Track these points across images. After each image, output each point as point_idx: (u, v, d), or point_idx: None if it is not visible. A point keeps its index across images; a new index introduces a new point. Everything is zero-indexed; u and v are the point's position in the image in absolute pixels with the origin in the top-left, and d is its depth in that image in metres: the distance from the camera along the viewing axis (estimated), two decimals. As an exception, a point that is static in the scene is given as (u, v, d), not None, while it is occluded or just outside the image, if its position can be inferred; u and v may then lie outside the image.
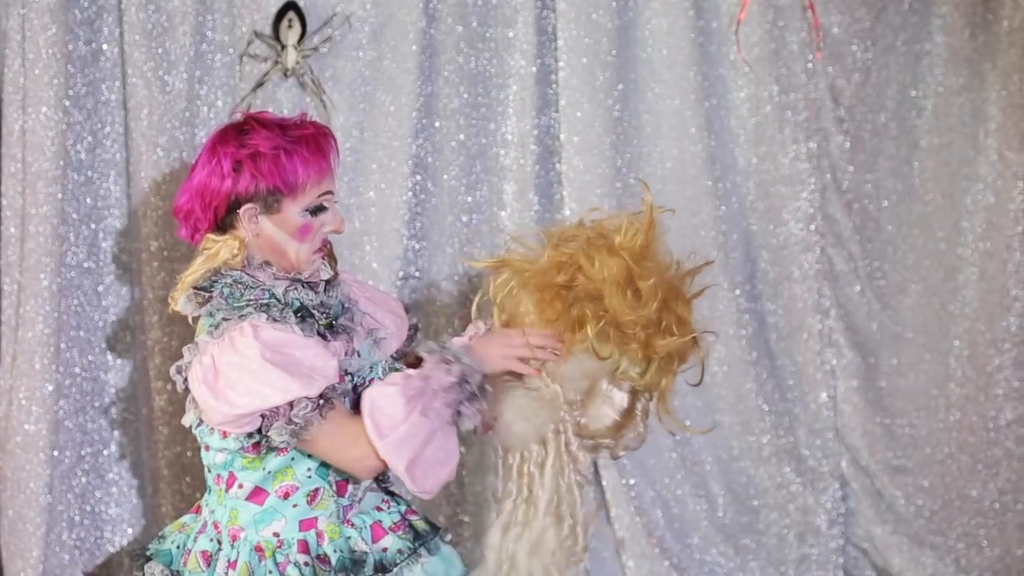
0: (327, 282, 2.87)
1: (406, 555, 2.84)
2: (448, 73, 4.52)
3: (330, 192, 2.83)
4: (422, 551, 2.87)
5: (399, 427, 2.64)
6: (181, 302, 2.77)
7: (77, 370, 4.30)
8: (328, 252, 2.92)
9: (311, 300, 2.79)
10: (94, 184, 4.32)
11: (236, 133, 2.80)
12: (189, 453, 4.41)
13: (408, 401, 2.65)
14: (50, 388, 4.17)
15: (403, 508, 2.94)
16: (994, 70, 4.64)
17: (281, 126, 2.81)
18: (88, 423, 4.33)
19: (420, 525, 2.93)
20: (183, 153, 4.34)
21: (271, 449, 2.72)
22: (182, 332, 4.37)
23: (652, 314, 2.81)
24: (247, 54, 4.38)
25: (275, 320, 2.68)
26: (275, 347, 2.66)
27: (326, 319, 2.79)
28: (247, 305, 2.69)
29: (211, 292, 2.73)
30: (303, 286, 2.80)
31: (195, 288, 2.76)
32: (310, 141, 2.80)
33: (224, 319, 2.68)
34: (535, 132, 4.54)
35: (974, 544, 4.69)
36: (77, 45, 4.24)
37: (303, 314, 2.74)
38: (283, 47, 4.37)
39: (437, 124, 4.53)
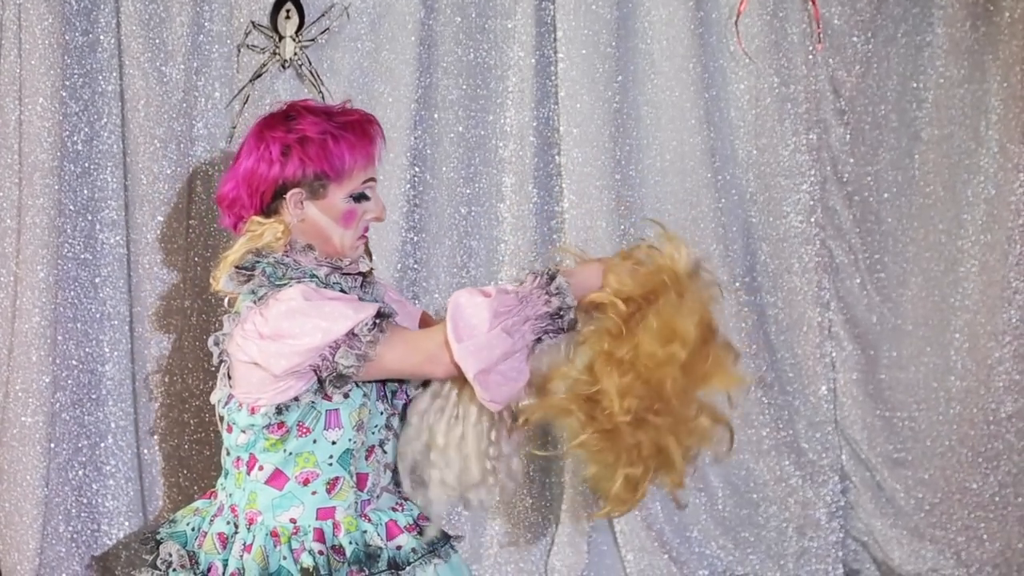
0: (364, 276, 2.88)
1: (420, 555, 2.85)
2: (447, 64, 4.51)
3: (373, 179, 2.85)
4: (435, 553, 2.88)
5: (478, 337, 2.64)
6: (223, 280, 2.80)
7: (74, 362, 4.29)
8: (366, 247, 2.94)
9: (350, 289, 2.81)
10: (91, 175, 4.30)
11: (283, 119, 2.84)
12: (186, 446, 4.41)
13: (495, 316, 2.65)
14: (47, 380, 4.16)
15: (416, 513, 2.94)
16: (995, 62, 4.62)
17: (327, 112, 2.85)
18: (85, 416, 4.32)
19: (432, 532, 2.93)
20: (180, 144, 4.32)
21: (338, 385, 2.71)
22: (179, 324, 4.36)
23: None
24: (245, 45, 4.37)
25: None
26: (320, 292, 2.71)
27: None
28: (287, 280, 2.73)
29: (253, 271, 2.76)
30: (343, 275, 2.82)
31: (237, 267, 2.78)
32: (356, 127, 2.84)
33: (265, 293, 2.71)
34: (534, 124, 4.53)
35: (974, 537, 4.68)
36: (74, 35, 4.23)
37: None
38: (281, 38, 4.36)
39: (436, 116, 4.51)
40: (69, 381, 4.28)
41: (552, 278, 2.72)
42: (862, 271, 4.71)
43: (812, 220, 4.66)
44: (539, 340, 2.71)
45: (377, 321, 2.69)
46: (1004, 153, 4.63)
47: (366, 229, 2.91)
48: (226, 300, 2.86)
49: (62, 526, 4.28)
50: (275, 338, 2.67)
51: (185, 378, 4.38)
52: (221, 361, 2.83)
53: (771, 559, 4.70)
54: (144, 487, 4.40)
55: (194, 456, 4.41)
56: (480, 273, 4.57)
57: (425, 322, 3.15)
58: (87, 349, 4.31)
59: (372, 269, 2.96)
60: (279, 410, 2.74)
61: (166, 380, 4.37)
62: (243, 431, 2.80)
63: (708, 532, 4.69)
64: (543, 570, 4.60)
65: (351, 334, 2.67)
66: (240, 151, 2.86)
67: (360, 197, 2.85)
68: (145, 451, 4.39)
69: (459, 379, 2.75)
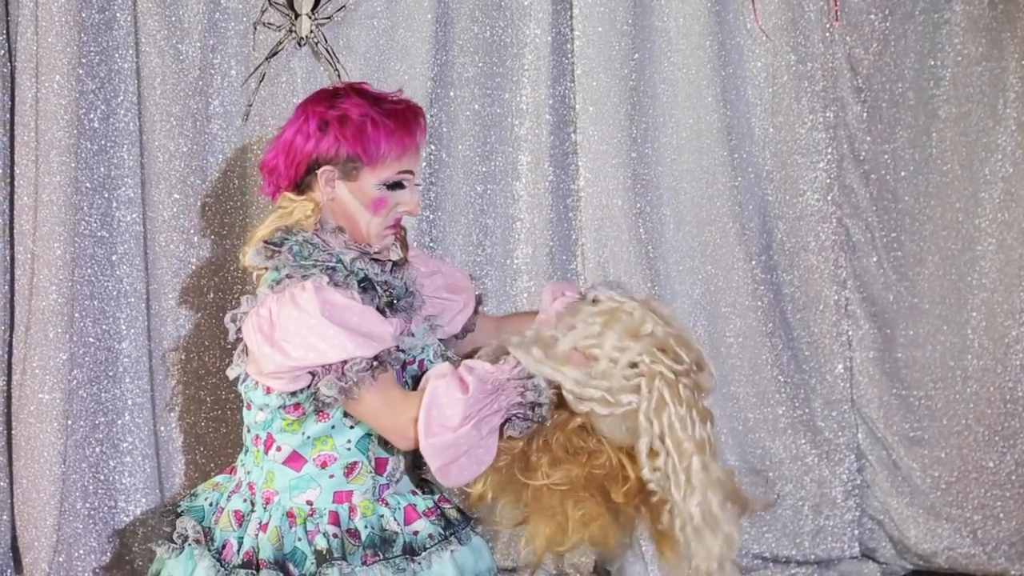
0: (395, 264, 2.88)
1: (436, 540, 2.85)
2: (463, 42, 4.50)
3: (411, 172, 2.85)
4: (452, 540, 2.87)
5: (447, 434, 2.66)
6: (250, 255, 2.81)
7: (91, 339, 4.29)
8: (401, 237, 2.94)
9: (376, 275, 2.81)
10: (107, 153, 4.30)
11: (329, 96, 2.86)
12: (203, 424, 4.41)
13: (466, 415, 2.66)
14: (64, 357, 4.17)
15: (437, 496, 2.95)
16: (1013, 39, 4.60)
17: (375, 97, 2.85)
18: (102, 393, 4.32)
19: (452, 514, 2.94)
20: (196, 122, 4.32)
21: (317, 407, 2.73)
22: (196, 302, 4.36)
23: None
24: (261, 23, 4.36)
25: (337, 285, 2.72)
26: (335, 307, 2.69)
27: (388, 297, 2.81)
28: (313, 265, 2.73)
29: (280, 248, 2.76)
30: (371, 260, 2.82)
31: (265, 242, 2.78)
32: (399, 116, 2.84)
33: (288, 276, 2.72)
34: (550, 102, 4.52)
35: (991, 516, 4.67)
36: (90, 13, 4.22)
37: (366, 285, 2.77)
38: (297, 16, 4.35)
39: (452, 93, 4.50)
40: (86, 358, 4.28)
41: (532, 376, 2.72)
42: (879, 249, 4.70)
43: (829, 198, 4.65)
44: (509, 420, 2.73)
45: (373, 364, 2.69)
46: (1022, 131, 4.61)
47: (398, 221, 2.90)
48: (254, 276, 2.87)
49: (79, 503, 4.29)
50: (272, 340, 2.67)
51: (202, 355, 4.39)
52: (238, 339, 2.83)
53: (787, 537, 4.70)
54: (161, 464, 4.41)
55: (211, 433, 4.42)
56: (496, 251, 4.56)
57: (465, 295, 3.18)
58: (104, 326, 4.32)
59: (405, 260, 2.96)
60: (293, 392, 2.74)
61: (183, 357, 4.37)
62: (260, 410, 2.80)
63: (724, 510, 4.69)
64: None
65: (341, 367, 2.67)
66: (288, 120, 2.89)
67: (394, 186, 2.84)
68: (162, 428, 4.40)
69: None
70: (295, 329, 2.66)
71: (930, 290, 4.72)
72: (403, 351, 2.81)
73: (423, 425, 2.66)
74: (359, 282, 2.77)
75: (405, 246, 3.01)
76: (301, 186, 2.84)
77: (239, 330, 2.81)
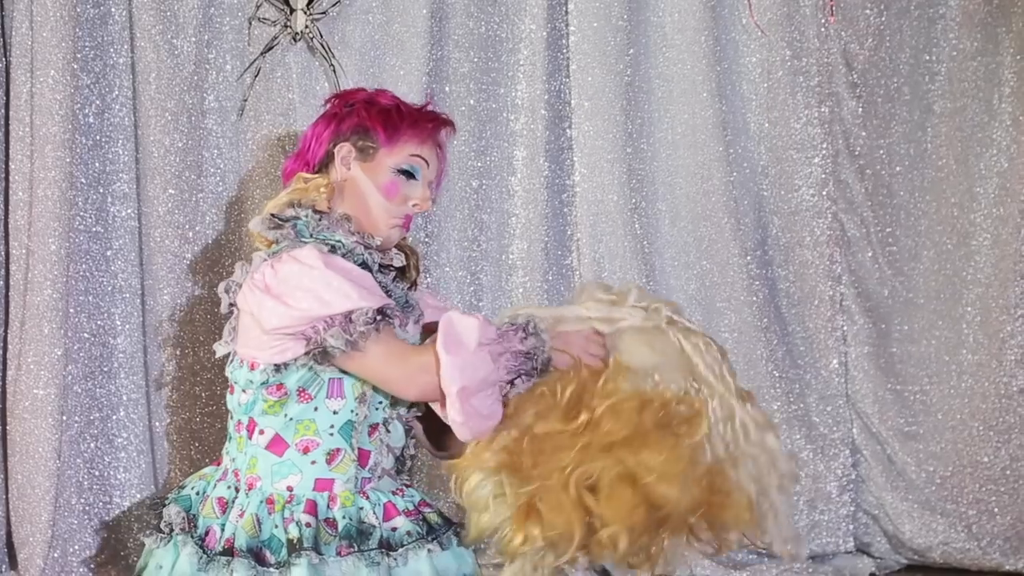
0: (398, 272, 2.88)
1: (415, 538, 2.82)
2: (458, 37, 4.50)
3: (426, 162, 2.86)
4: (432, 541, 2.84)
5: (466, 355, 2.65)
6: (255, 222, 2.84)
7: (86, 335, 4.29)
8: (412, 250, 2.94)
9: (374, 264, 2.81)
10: (102, 148, 4.30)
11: (365, 90, 2.97)
12: (198, 419, 4.41)
13: (481, 341, 2.66)
14: (59, 353, 4.16)
15: (418, 499, 2.92)
16: (1009, 34, 4.60)
17: (405, 101, 2.94)
18: (97, 388, 4.32)
19: (433, 518, 2.90)
20: (191, 117, 4.32)
21: (320, 361, 2.70)
22: (191, 297, 4.36)
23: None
24: (256, 18, 4.36)
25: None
26: (336, 263, 2.70)
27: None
28: (313, 240, 2.75)
29: (285, 223, 2.80)
30: (374, 253, 2.83)
31: (272, 215, 2.81)
32: (427, 113, 2.91)
33: (285, 247, 2.72)
34: (545, 97, 4.52)
35: (986, 511, 4.67)
36: (85, 8, 4.22)
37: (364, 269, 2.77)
38: (292, 11, 4.35)
39: (447, 88, 4.50)
40: (81, 353, 4.28)
41: (528, 321, 2.72)
42: (874, 244, 4.70)
43: (824, 193, 4.65)
44: (512, 383, 2.71)
45: (377, 317, 2.68)
46: (1017, 126, 4.62)
47: (408, 219, 2.90)
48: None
49: (74, 498, 4.28)
50: (275, 294, 2.66)
51: (197, 351, 4.38)
52: (230, 312, 2.82)
53: (782, 532, 4.69)
54: (156, 460, 4.40)
55: (205, 429, 4.42)
56: (491, 247, 4.56)
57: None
58: (99, 322, 4.31)
59: (410, 276, 2.95)
60: (277, 368, 2.73)
61: (178, 353, 4.37)
62: (244, 390, 2.79)
63: (719, 505, 4.69)
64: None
65: (348, 316, 2.66)
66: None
67: (408, 173, 2.86)
68: (157, 424, 4.40)
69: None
70: (297, 281, 2.66)
71: (925, 285, 4.72)
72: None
73: (442, 344, 2.65)
74: (359, 265, 2.78)
75: (417, 270, 3.00)
76: (320, 168, 2.88)
77: (232, 304, 2.80)
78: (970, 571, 4.67)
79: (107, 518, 4.35)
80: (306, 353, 2.70)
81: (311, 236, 2.77)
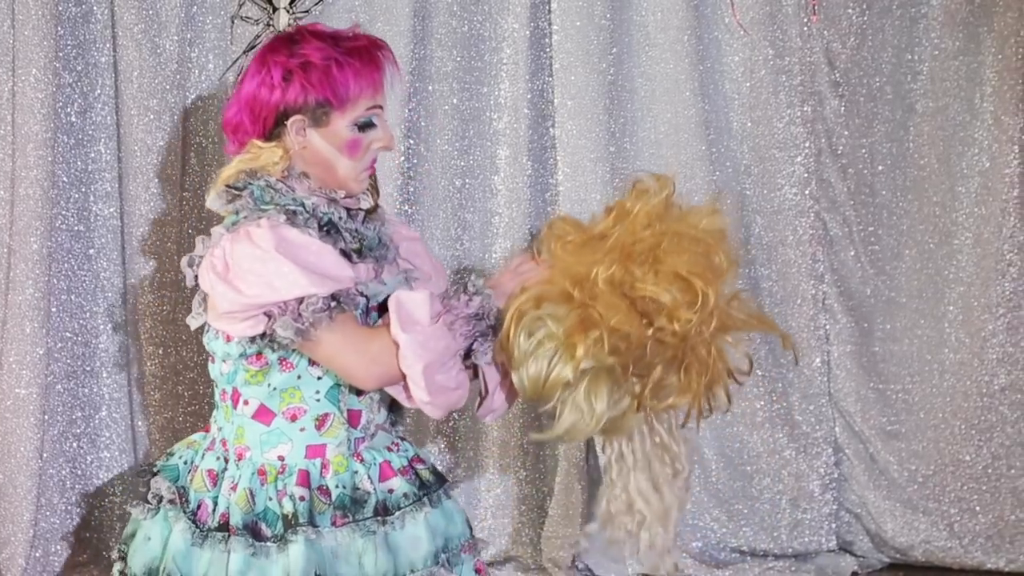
0: (367, 212, 2.83)
1: (411, 500, 2.79)
2: (441, 36, 4.50)
3: (380, 107, 2.79)
4: (426, 501, 2.82)
5: (423, 330, 2.61)
6: (211, 198, 2.74)
7: (68, 334, 4.29)
8: (373, 183, 2.88)
9: (342, 221, 2.75)
10: (84, 147, 4.30)
11: (287, 43, 2.76)
12: (180, 419, 4.41)
13: (433, 314, 2.62)
14: (41, 352, 4.16)
15: (411, 454, 2.89)
16: (990, 33, 4.61)
17: (334, 37, 2.76)
18: (79, 388, 4.32)
19: (426, 475, 2.87)
20: (173, 116, 4.32)
21: (276, 348, 2.67)
22: (173, 296, 4.36)
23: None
24: (239, 16, 4.36)
25: (295, 226, 2.65)
26: (290, 243, 2.62)
27: (357, 244, 2.76)
28: (272, 207, 2.67)
29: (242, 192, 2.70)
30: (339, 207, 2.77)
31: (227, 186, 2.73)
32: (363, 53, 2.75)
33: (244, 218, 2.67)
34: (528, 96, 4.52)
35: (967, 509, 4.69)
36: (67, 6, 4.22)
37: (328, 229, 2.71)
38: (275, 9, 4.35)
39: (430, 88, 4.50)
40: (63, 353, 4.27)
41: (466, 282, 2.68)
42: (856, 243, 4.71)
43: (806, 192, 4.66)
44: (470, 350, 2.68)
45: (330, 304, 2.64)
46: (998, 125, 4.62)
47: (374, 161, 2.86)
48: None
49: (56, 498, 4.28)
50: (226, 278, 2.62)
51: (179, 350, 4.38)
52: (196, 285, 2.79)
53: (764, 531, 4.71)
54: (138, 459, 4.41)
55: (188, 428, 4.41)
56: (474, 246, 4.56)
57: None
58: (81, 321, 4.31)
59: (377, 206, 2.89)
60: (252, 340, 2.70)
61: (160, 352, 4.37)
62: (223, 361, 2.76)
63: (702, 504, 4.70)
64: (536, 540, 4.61)
65: (297, 305, 2.62)
66: (244, 75, 2.79)
67: (365, 126, 2.79)
68: (139, 423, 4.39)
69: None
70: (248, 265, 2.59)
71: (907, 284, 4.73)
72: (366, 296, 2.74)
73: (396, 324, 2.60)
74: (323, 226, 2.70)
75: (376, 191, 2.94)
76: (270, 137, 2.76)
77: (196, 277, 2.76)
78: (952, 569, 4.68)
79: (90, 518, 4.34)
80: (261, 337, 2.68)
81: (269, 202, 2.69)
